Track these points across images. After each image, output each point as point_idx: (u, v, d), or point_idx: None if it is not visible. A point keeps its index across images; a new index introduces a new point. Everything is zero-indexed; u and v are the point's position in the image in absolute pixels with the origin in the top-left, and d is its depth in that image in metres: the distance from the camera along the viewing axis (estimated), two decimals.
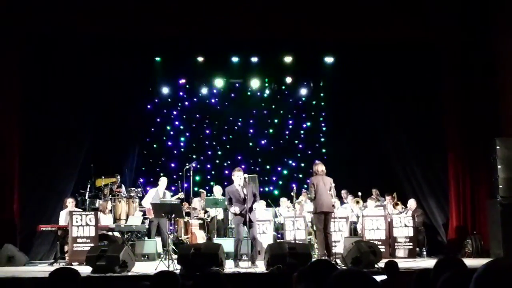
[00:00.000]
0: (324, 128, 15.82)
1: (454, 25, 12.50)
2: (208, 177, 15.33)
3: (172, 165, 15.18)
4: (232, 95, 15.88)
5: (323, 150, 15.56)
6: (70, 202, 11.38)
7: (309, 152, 15.67)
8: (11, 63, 11.82)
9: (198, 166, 13.79)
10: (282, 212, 13.07)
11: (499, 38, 12.06)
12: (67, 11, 11.58)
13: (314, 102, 15.87)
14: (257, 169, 14.88)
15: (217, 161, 15.69)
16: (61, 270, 3.51)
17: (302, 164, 15.51)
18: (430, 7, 12.16)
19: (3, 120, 11.69)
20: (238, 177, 9.75)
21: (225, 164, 15.60)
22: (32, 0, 11.61)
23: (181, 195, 12.25)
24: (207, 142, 15.77)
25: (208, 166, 15.52)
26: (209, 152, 15.68)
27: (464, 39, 12.50)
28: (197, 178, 14.68)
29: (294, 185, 10.94)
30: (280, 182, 15.48)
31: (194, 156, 14.77)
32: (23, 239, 11.51)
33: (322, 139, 15.80)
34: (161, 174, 13.48)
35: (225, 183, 14.24)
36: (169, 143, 15.60)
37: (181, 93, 15.70)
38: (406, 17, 12.21)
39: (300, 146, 15.92)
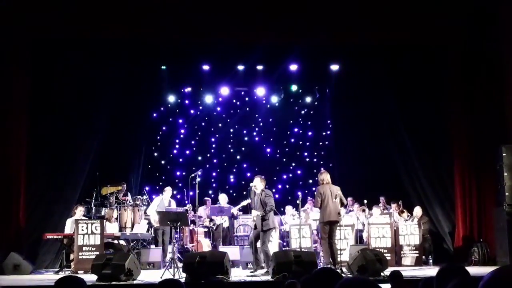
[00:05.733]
0: (329, 136, 15.78)
1: (460, 33, 12.48)
2: (214, 185, 15.32)
3: (178, 173, 15.19)
4: (238, 103, 15.89)
5: (329, 158, 15.52)
6: (80, 210, 11.40)
7: (315, 159, 15.66)
8: (19, 71, 11.88)
9: (204, 174, 13.78)
10: (287, 220, 13.04)
11: (506, 45, 12.02)
12: (74, 18, 11.64)
13: (319, 110, 15.85)
14: (262, 177, 14.84)
15: (223, 169, 15.68)
16: (67, 279, 3.50)
17: (308, 172, 15.49)
18: (436, 13, 12.13)
19: (10, 129, 11.73)
20: (253, 183, 9.90)
21: (231, 172, 15.60)
22: (39, 5, 11.66)
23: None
24: (212, 150, 15.77)
25: (214, 174, 15.51)
26: (215, 160, 15.68)
27: (471, 46, 12.48)
28: (203, 186, 14.67)
29: (299, 193, 10.94)
30: (286, 190, 15.45)
31: (199, 164, 14.78)
32: (29, 248, 11.53)
33: (328, 147, 15.76)
34: (167, 183, 13.48)
35: (231, 191, 14.33)
36: (175, 151, 15.60)
37: (186, 101, 15.72)
38: (411, 22, 12.19)
39: (306, 153, 15.90)
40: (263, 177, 10.26)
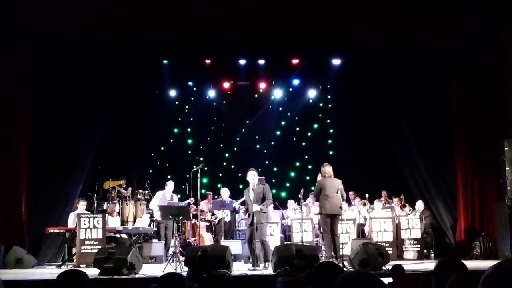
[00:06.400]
0: (331, 130, 15.76)
1: (462, 29, 12.43)
2: (216, 179, 15.31)
3: (180, 167, 15.18)
4: (240, 97, 15.85)
5: (331, 152, 15.50)
6: (82, 205, 11.42)
7: (317, 154, 15.61)
8: (20, 66, 11.89)
9: (206, 168, 13.78)
10: (289, 214, 13.05)
11: (507, 41, 11.98)
12: (74, 18, 11.61)
13: (321, 104, 15.80)
14: (265, 171, 14.84)
15: (225, 163, 15.68)
16: (69, 272, 3.51)
17: (310, 167, 15.45)
18: (439, 11, 12.09)
19: (12, 123, 11.74)
20: (250, 177, 9.81)
21: (233, 166, 15.59)
22: (40, 3, 11.63)
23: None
24: (214, 145, 15.75)
25: (216, 168, 15.50)
26: (217, 154, 15.66)
27: (472, 43, 12.45)
28: (205, 180, 14.67)
29: (301, 188, 10.92)
30: (288, 184, 15.44)
31: (201, 159, 14.76)
32: (31, 242, 11.57)
33: (330, 141, 15.75)
34: (169, 177, 13.48)
35: (232, 186, 14.33)
36: (177, 146, 15.60)
37: (188, 96, 15.70)
38: (414, 19, 12.14)
39: (308, 148, 15.87)
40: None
